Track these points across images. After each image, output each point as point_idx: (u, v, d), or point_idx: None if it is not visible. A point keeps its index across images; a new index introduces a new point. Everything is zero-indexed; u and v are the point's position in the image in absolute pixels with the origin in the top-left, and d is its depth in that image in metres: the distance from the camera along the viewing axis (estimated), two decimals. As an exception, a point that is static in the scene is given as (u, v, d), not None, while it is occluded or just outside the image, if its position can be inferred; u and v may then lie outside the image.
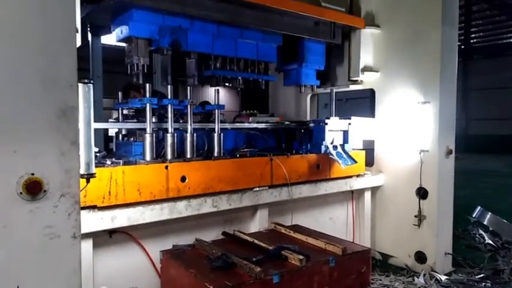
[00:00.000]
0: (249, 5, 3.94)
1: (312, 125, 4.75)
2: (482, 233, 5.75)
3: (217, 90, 3.82)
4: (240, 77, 4.23)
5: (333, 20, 4.70)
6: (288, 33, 4.45)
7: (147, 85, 3.41)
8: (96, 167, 2.69)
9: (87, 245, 2.85)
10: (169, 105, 3.45)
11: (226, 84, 4.22)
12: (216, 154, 3.72)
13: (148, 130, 3.34)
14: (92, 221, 2.83)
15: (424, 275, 4.42)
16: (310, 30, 4.60)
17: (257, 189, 3.84)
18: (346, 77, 5.23)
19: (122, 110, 3.92)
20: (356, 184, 4.78)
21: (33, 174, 1.78)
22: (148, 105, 3.36)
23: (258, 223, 3.97)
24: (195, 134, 3.62)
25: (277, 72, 5.17)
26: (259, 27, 4.18)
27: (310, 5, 4.40)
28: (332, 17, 4.65)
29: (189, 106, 3.57)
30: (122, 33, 3.64)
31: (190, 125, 3.57)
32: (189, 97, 3.58)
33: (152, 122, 3.40)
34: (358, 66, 5.06)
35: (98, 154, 3.47)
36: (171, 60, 3.87)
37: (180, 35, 3.66)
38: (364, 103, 5.79)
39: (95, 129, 2.75)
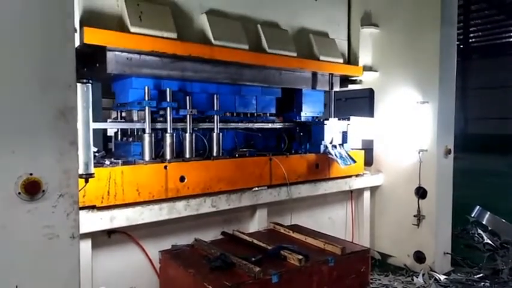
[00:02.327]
0: (249, 66, 3.98)
1: (311, 124, 4.74)
2: (481, 232, 5.75)
3: (217, 96, 3.82)
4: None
5: (330, 72, 4.75)
6: (287, 86, 4.51)
7: (146, 87, 3.41)
8: (95, 167, 2.70)
9: (86, 245, 2.85)
10: (168, 108, 3.45)
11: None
12: (215, 154, 3.72)
13: (147, 130, 3.34)
14: (91, 221, 2.83)
15: (423, 274, 4.43)
16: (308, 82, 4.67)
17: (256, 189, 3.84)
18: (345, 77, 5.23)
19: (121, 110, 3.92)
20: (355, 184, 4.78)
21: (31, 174, 1.77)
22: (147, 107, 3.36)
23: (257, 223, 3.97)
24: (194, 134, 3.62)
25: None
26: (258, 84, 4.23)
27: (309, 60, 4.48)
28: (330, 68, 4.72)
29: (188, 114, 3.57)
30: (122, 96, 3.68)
31: (189, 125, 3.57)
32: (188, 107, 3.57)
33: (151, 122, 3.40)
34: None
35: (96, 154, 3.47)
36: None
37: (180, 97, 3.68)
38: (363, 103, 5.79)
39: (94, 129, 2.76)
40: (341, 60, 4.87)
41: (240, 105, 4.27)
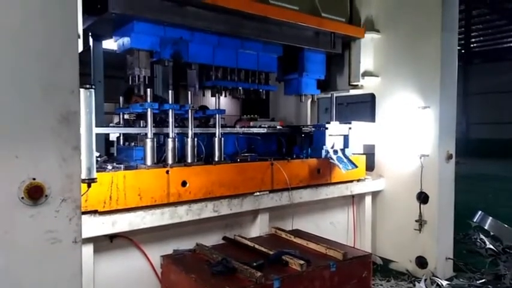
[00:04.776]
0: (250, 17, 3.95)
1: (312, 129, 4.75)
2: (483, 237, 5.75)
3: (217, 95, 3.83)
4: (240, 87, 4.28)
5: (332, 30, 4.71)
6: (288, 43, 4.47)
7: (148, 90, 3.43)
8: (97, 171, 2.69)
9: (88, 250, 2.85)
10: (171, 110, 3.47)
11: (227, 93, 4.26)
12: (216, 159, 3.73)
13: (149, 135, 3.35)
14: (93, 226, 2.84)
15: (425, 280, 4.41)
16: (310, 41, 4.62)
17: (258, 193, 3.84)
18: (347, 82, 5.24)
19: (123, 114, 3.94)
20: (356, 189, 4.78)
21: (34, 179, 1.78)
22: (149, 110, 3.37)
23: (258, 228, 3.97)
24: (195, 139, 3.63)
25: (277, 82, 5.18)
26: (259, 38, 4.20)
27: (310, 15, 4.43)
28: (332, 27, 4.67)
29: (190, 111, 3.58)
30: (123, 44, 3.66)
31: (191, 129, 3.59)
32: (190, 102, 3.59)
33: (153, 127, 3.41)
34: (359, 71, 5.08)
35: (99, 159, 3.48)
36: (173, 65, 3.88)
37: (181, 46, 3.68)
38: (364, 107, 5.80)
39: (96, 134, 2.76)
40: (343, 19, 4.81)
41: (241, 60, 4.20)
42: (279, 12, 4.10)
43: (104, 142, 4.51)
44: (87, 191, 2.57)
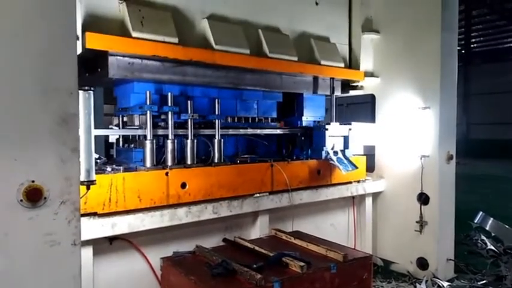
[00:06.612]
0: (250, 70, 3.98)
1: (312, 130, 4.74)
2: (484, 238, 5.72)
3: (218, 100, 3.83)
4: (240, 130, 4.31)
5: (331, 76, 4.75)
6: (288, 91, 4.51)
7: (147, 92, 3.42)
8: (96, 173, 2.70)
9: (87, 252, 2.85)
10: (170, 112, 3.46)
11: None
12: (216, 160, 3.72)
13: (148, 137, 3.34)
14: (92, 228, 2.83)
15: (426, 281, 4.40)
16: (309, 87, 4.66)
17: (257, 195, 3.83)
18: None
19: (123, 116, 3.93)
20: (357, 190, 4.77)
21: (33, 181, 1.78)
22: (148, 112, 3.36)
23: (258, 229, 3.96)
24: (195, 140, 3.62)
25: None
26: (259, 88, 4.23)
27: (310, 64, 4.47)
28: (331, 73, 4.71)
29: (189, 118, 3.58)
30: (123, 101, 3.69)
31: (191, 131, 3.58)
32: (189, 112, 3.58)
33: (152, 128, 3.41)
34: (359, 72, 5.08)
35: (98, 161, 3.48)
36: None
37: (181, 101, 3.69)
38: (364, 108, 5.79)
39: (96, 136, 2.76)
40: (342, 65, 4.88)
41: (241, 109, 4.26)
42: (278, 65, 4.14)
43: (104, 144, 4.50)
44: (86, 193, 2.57)
